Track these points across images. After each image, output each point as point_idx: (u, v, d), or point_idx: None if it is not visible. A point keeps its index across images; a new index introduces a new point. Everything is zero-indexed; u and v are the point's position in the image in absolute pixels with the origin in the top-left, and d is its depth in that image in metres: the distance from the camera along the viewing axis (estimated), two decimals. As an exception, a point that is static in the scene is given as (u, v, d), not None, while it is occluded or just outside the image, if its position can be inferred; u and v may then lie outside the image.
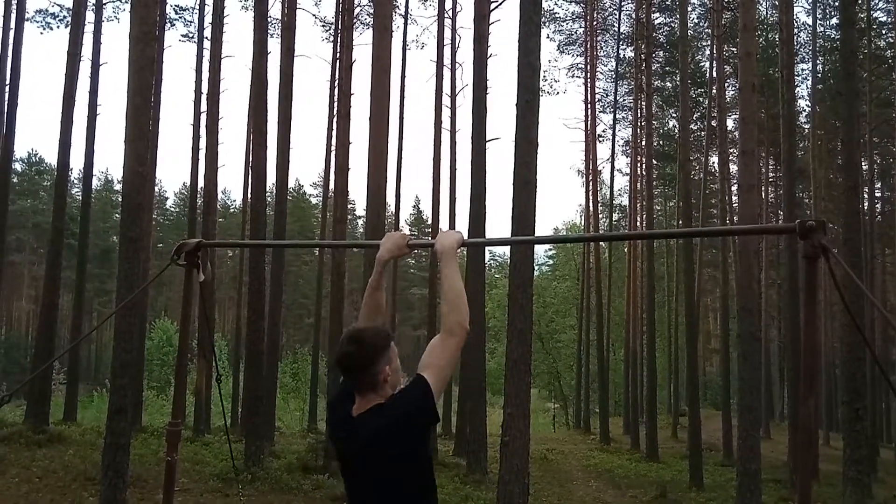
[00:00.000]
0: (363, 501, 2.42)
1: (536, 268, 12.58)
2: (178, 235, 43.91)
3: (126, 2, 20.85)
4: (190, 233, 19.39)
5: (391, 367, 2.38)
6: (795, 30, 23.28)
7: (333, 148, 22.34)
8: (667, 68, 31.71)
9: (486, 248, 19.45)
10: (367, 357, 2.36)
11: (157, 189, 35.52)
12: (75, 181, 33.28)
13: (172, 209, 64.41)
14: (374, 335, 2.42)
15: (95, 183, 44.46)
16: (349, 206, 22.83)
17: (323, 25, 26.32)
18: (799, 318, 17.63)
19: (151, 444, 13.88)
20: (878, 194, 31.68)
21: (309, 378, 26.81)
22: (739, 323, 11.45)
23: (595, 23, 31.01)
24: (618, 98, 30.06)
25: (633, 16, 27.80)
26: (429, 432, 2.46)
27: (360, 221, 48.15)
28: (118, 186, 45.75)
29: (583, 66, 31.07)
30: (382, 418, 2.32)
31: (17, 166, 49.65)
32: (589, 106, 29.52)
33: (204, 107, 19.32)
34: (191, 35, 25.02)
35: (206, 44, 20.19)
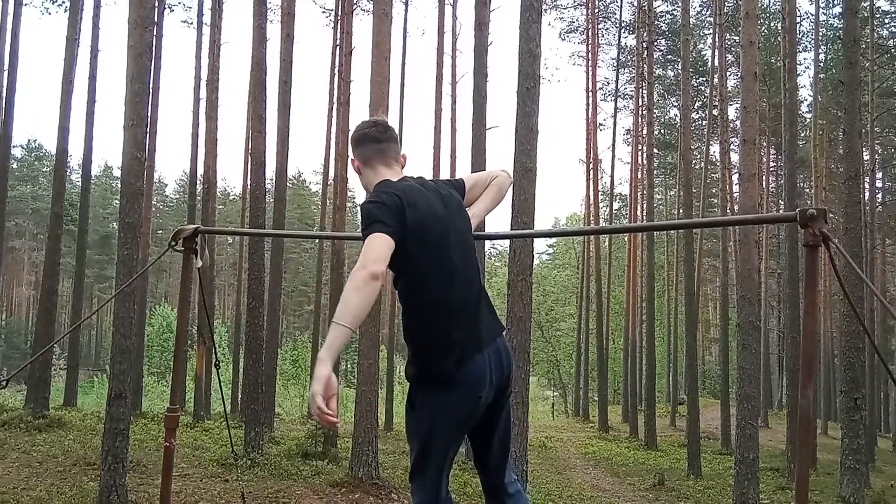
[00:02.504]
0: (464, 269, 2.37)
1: (536, 256, 12.60)
2: (178, 222, 43.87)
3: (125, -14, 20.73)
4: (189, 219, 19.36)
5: None
6: (798, 18, 23.14)
7: (333, 135, 22.27)
8: (668, 57, 31.61)
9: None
10: (395, 132, 2.54)
11: (156, 176, 35.48)
12: (75, 167, 33.24)
13: (172, 196, 64.39)
14: None
15: (95, 169, 44.41)
16: (349, 194, 22.79)
17: (323, 11, 26.23)
18: (798, 307, 17.66)
19: (151, 429, 13.93)
20: (878, 184, 31.63)
21: (308, 365, 26.87)
22: (739, 312, 11.45)
23: (597, 10, 30.84)
24: (619, 86, 29.97)
25: (635, 4, 27.64)
26: None
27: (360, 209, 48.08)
28: (117, 172, 45.69)
29: (584, 54, 30.95)
30: (434, 180, 2.53)
31: (17, 152, 49.64)
32: (590, 94, 29.40)
33: (203, 93, 19.26)
34: (190, 21, 24.97)
35: (206, 30, 20.10)
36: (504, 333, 2.50)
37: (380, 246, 2.13)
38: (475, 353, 2.30)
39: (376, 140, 2.46)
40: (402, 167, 2.50)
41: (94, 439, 11.13)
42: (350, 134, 2.53)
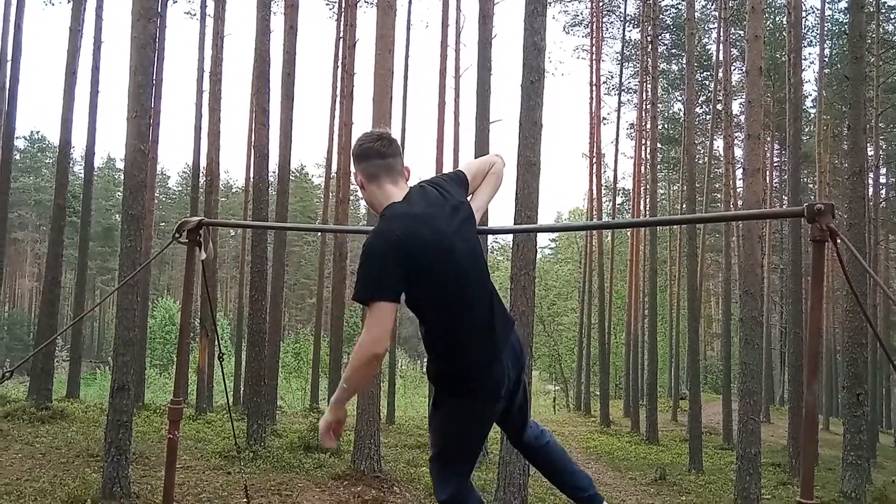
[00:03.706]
0: (477, 288, 2.43)
1: (539, 250, 12.58)
2: (181, 214, 43.89)
3: (128, -22, 20.66)
4: (192, 211, 19.38)
5: None
6: (804, 13, 23.09)
7: (336, 127, 22.26)
8: (673, 51, 31.51)
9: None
10: (399, 146, 2.51)
11: (159, 168, 35.48)
12: (77, 159, 33.22)
13: (175, 188, 64.41)
14: None
15: (98, 161, 44.41)
16: (351, 187, 22.76)
17: (327, 3, 26.16)
18: (801, 302, 17.63)
19: (154, 421, 13.97)
20: (882, 180, 31.54)
21: (310, 358, 26.91)
22: (741, 307, 11.44)
23: (601, 4, 30.71)
24: (623, 81, 29.86)
25: (640, -3, 27.53)
26: None
27: (363, 202, 48.10)
28: (120, 164, 45.68)
29: (588, 48, 30.84)
30: (436, 183, 2.54)
31: (20, 143, 49.61)
32: (594, 88, 29.31)
33: (206, 85, 19.22)
34: (193, 12, 24.90)
35: (209, 21, 20.06)
36: (514, 328, 2.59)
37: (387, 319, 2.20)
38: (493, 364, 2.39)
39: (381, 155, 2.42)
40: (407, 180, 2.48)
41: (96, 431, 11.16)
42: (352, 147, 2.50)
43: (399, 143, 2.51)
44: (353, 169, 2.53)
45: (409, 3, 23.15)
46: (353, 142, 2.52)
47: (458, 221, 2.42)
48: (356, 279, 2.25)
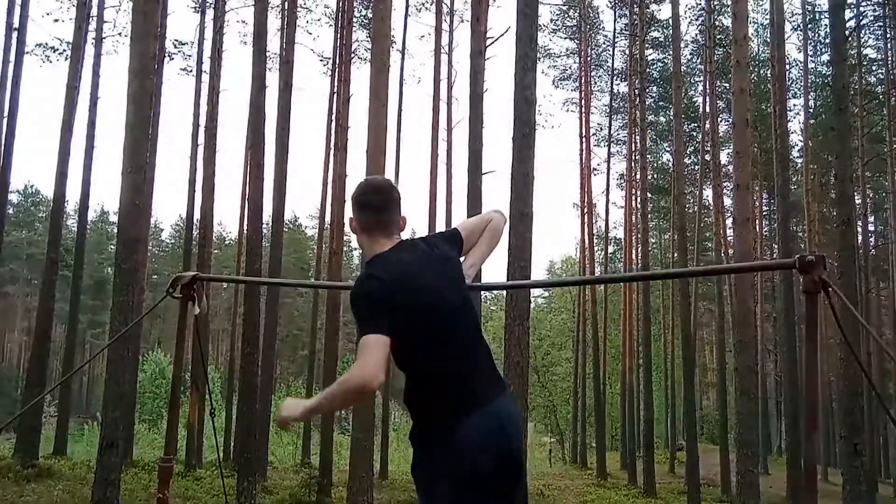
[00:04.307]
0: (461, 337, 2.38)
1: (532, 300, 12.59)
2: (174, 267, 43.81)
3: (125, 35, 21.05)
4: (185, 265, 19.33)
5: None
6: (787, 66, 23.60)
7: (330, 180, 22.41)
8: (660, 103, 32.08)
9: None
10: (398, 198, 2.49)
11: (153, 220, 35.52)
12: (71, 212, 33.29)
13: (168, 240, 64.33)
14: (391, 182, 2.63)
15: (91, 214, 44.41)
16: (345, 238, 22.83)
17: (321, 60, 26.60)
18: (795, 351, 17.60)
19: (142, 478, 13.68)
20: (871, 228, 31.87)
21: (302, 412, 26.50)
22: (736, 357, 11.42)
23: (589, 58, 31.40)
24: (612, 132, 30.32)
25: (627, 52, 28.17)
26: None
27: (356, 253, 48.14)
28: (114, 218, 45.74)
29: (577, 101, 31.40)
30: (426, 238, 2.52)
31: (13, 197, 49.68)
32: (584, 140, 29.74)
33: (201, 139, 19.41)
34: (189, 69, 25.25)
35: (205, 77, 20.36)
36: (508, 393, 2.47)
37: (374, 350, 2.16)
38: (471, 412, 2.29)
39: (377, 211, 2.44)
40: (402, 230, 2.49)
41: (83, 489, 10.91)
42: (353, 194, 2.52)
43: (398, 192, 2.51)
44: (350, 214, 2.55)
45: (402, 59, 23.56)
46: (355, 188, 2.54)
47: (447, 275, 2.42)
48: None
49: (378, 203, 2.45)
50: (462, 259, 2.59)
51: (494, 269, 34.32)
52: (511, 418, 2.37)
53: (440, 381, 2.34)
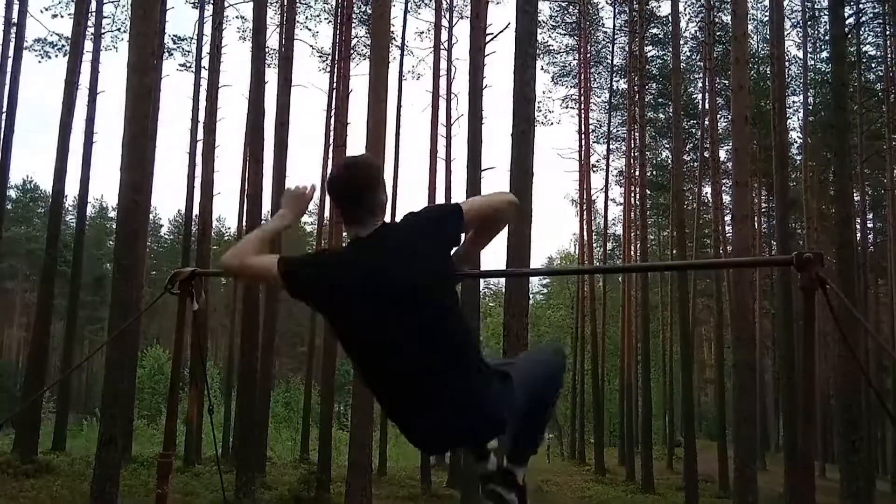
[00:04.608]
0: (410, 340, 2.16)
1: (531, 296, 12.60)
2: (173, 263, 43.73)
3: (124, 31, 21.02)
4: (184, 261, 19.33)
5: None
6: (787, 63, 23.58)
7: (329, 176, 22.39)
8: (660, 100, 32.02)
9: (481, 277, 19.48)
10: (375, 177, 2.32)
11: (151, 216, 35.50)
12: (70, 208, 33.23)
13: (167, 237, 64.23)
14: (370, 158, 2.49)
15: (90, 210, 44.36)
16: (343, 235, 22.84)
17: (320, 56, 26.56)
18: (793, 347, 17.62)
19: (141, 474, 13.69)
20: (869, 225, 31.89)
21: (301, 407, 26.56)
22: (734, 353, 11.44)
23: (589, 55, 31.35)
24: (611, 129, 30.32)
25: (627, 48, 28.15)
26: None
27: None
28: (112, 213, 45.75)
29: (577, 98, 31.37)
30: (415, 215, 2.31)
31: (12, 193, 49.56)
32: (583, 136, 29.72)
33: (200, 135, 19.39)
34: (188, 65, 25.21)
35: (204, 73, 20.34)
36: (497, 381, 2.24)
37: (263, 262, 2.29)
38: (428, 417, 2.20)
39: (342, 198, 2.31)
40: (382, 213, 2.30)
41: (82, 485, 10.92)
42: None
43: (365, 172, 2.32)
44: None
45: (402, 55, 23.54)
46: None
47: (412, 266, 2.19)
48: None
49: (342, 191, 2.31)
50: (462, 237, 2.38)
51: (493, 266, 34.29)
52: (498, 412, 2.22)
53: (385, 389, 2.28)
